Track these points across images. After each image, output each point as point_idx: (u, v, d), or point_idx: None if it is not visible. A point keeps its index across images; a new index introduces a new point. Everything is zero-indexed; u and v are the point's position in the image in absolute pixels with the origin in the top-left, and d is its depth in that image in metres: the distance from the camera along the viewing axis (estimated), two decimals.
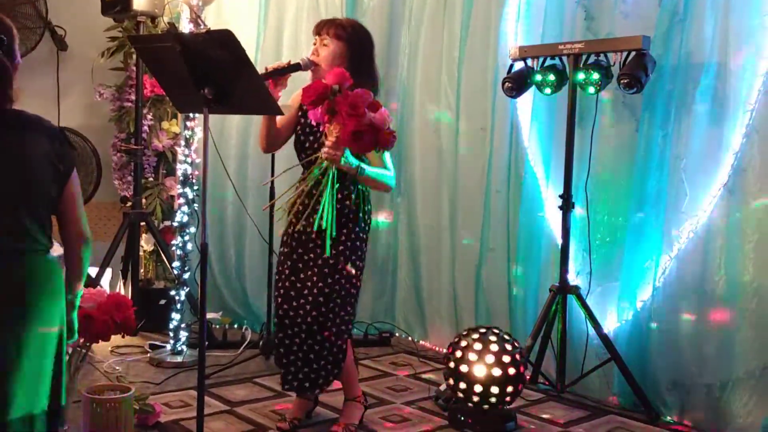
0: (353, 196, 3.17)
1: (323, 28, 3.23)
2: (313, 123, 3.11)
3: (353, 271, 3.20)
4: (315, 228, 3.09)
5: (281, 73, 3.13)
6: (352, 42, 3.20)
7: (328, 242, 3.03)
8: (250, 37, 5.02)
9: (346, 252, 3.18)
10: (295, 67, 3.16)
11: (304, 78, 3.31)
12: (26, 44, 5.11)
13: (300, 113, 3.29)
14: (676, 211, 3.66)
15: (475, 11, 4.51)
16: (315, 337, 3.19)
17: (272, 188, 4.19)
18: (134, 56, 5.04)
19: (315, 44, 3.24)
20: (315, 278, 3.17)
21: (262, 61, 4.88)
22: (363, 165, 3.05)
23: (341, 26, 3.22)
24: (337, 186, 3.04)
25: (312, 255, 3.19)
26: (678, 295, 3.65)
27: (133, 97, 5.02)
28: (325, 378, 3.25)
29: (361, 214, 3.20)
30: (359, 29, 3.29)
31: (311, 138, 3.24)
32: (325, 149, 2.97)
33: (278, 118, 3.25)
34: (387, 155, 3.16)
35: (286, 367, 3.26)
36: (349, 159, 2.99)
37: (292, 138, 3.34)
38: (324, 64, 3.18)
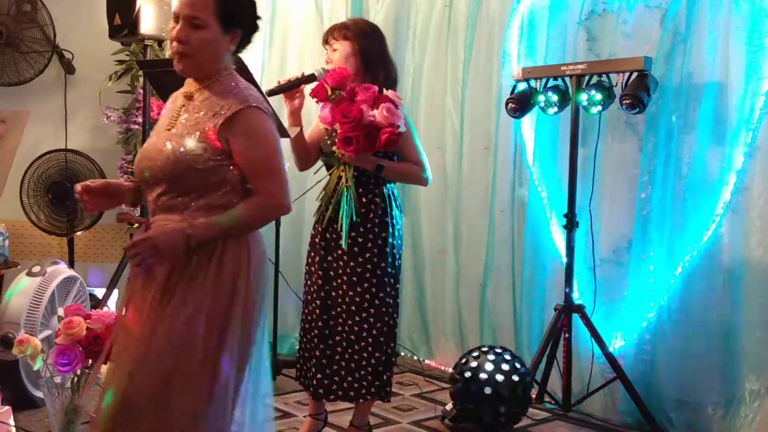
0: (378, 199, 3.18)
1: (329, 35, 3.23)
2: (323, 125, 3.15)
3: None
4: (325, 225, 3.16)
5: (295, 85, 3.12)
6: (359, 38, 3.19)
7: (345, 235, 3.09)
8: (256, 61, 5.05)
9: (374, 259, 3.17)
10: (310, 78, 3.14)
11: None
12: (34, 68, 5.17)
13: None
14: (680, 229, 3.68)
15: (478, 33, 4.55)
16: (353, 347, 3.18)
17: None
18: (141, 79, 5.08)
19: (327, 52, 3.25)
20: (345, 287, 3.18)
21: (267, 85, 4.90)
22: (382, 162, 3.08)
23: (345, 27, 3.23)
24: (352, 187, 3.08)
25: (341, 263, 3.19)
26: (682, 313, 3.66)
27: (140, 120, 5.06)
28: (367, 389, 3.20)
29: (387, 219, 3.19)
30: (363, 24, 3.29)
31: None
32: (335, 148, 3.02)
33: (308, 134, 3.28)
34: (420, 149, 3.23)
35: (330, 378, 3.20)
36: (362, 156, 3.01)
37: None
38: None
